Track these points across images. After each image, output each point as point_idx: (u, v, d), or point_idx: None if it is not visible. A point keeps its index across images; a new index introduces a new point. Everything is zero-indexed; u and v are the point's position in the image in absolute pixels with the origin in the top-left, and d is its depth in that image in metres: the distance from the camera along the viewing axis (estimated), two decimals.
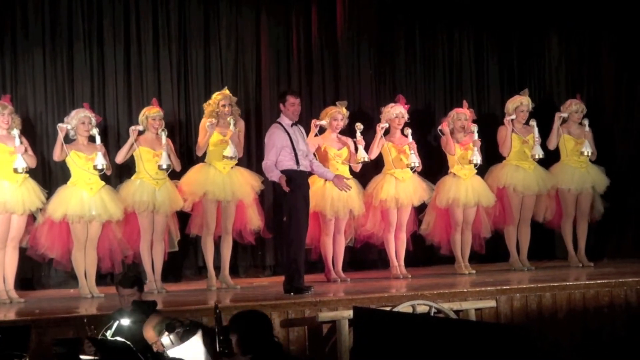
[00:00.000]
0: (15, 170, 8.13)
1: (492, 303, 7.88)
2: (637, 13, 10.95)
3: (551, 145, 9.94)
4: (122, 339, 5.37)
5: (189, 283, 9.45)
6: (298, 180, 8.07)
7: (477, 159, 9.45)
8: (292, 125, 8.22)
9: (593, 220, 10.17)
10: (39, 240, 8.33)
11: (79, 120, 8.42)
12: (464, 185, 9.48)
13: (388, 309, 7.32)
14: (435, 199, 9.50)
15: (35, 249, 8.37)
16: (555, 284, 8.23)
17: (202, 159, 8.88)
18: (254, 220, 8.86)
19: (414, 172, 9.34)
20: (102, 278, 8.96)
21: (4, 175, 8.17)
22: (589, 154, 9.88)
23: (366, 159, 9.11)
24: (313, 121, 9.08)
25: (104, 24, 9.47)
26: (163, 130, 8.60)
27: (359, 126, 9.13)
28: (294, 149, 8.10)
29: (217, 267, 8.87)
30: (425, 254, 10.21)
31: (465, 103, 9.75)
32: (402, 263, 9.36)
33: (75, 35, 9.38)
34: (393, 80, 10.66)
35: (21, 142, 8.17)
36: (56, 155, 8.44)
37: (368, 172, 9.51)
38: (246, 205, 8.82)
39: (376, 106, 10.06)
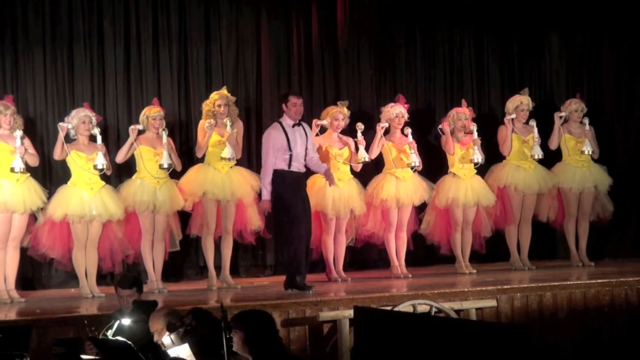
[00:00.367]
0: (12, 170, 8.12)
1: (492, 302, 7.88)
2: (637, 13, 10.96)
3: (553, 145, 9.93)
4: (124, 339, 5.37)
5: (189, 283, 9.46)
6: (288, 179, 8.13)
7: (479, 157, 9.44)
8: (294, 126, 8.24)
9: (604, 220, 10.18)
10: (39, 240, 8.33)
11: (80, 120, 8.42)
12: (464, 185, 9.48)
13: (389, 308, 7.32)
14: (434, 199, 9.50)
15: (36, 249, 8.37)
16: (556, 284, 8.22)
17: (201, 159, 8.88)
18: (254, 220, 8.85)
19: (414, 171, 9.34)
20: (103, 278, 8.97)
21: (5, 174, 8.17)
22: (590, 153, 9.88)
23: (367, 159, 9.10)
24: (314, 121, 9.08)
25: (104, 24, 9.47)
26: (164, 129, 8.60)
27: (360, 126, 9.13)
28: (290, 151, 8.15)
29: (218, 267, 8.87)
30: (425, 253, 10.22)
31: (464, 102, 9.75)
32: (403, 263, 9.37)
33: (76, 35, 9.38)
34: (393, 80, 10.66)
35: (22, 143, 8.17)
36: (57, 155, 8.44)
37: (368, 172, 9.50)
38: (246, 205, 8.82)
39: (376, 106, 10.07)
